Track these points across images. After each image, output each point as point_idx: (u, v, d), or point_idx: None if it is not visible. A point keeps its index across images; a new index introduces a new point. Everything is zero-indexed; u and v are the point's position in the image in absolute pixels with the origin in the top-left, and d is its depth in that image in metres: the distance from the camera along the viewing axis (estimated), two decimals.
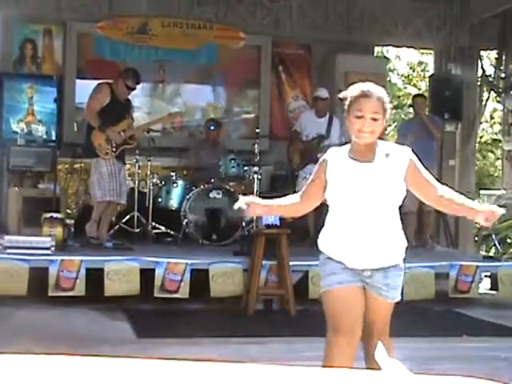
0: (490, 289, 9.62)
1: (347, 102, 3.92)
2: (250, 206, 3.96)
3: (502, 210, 3.88)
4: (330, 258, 4.01)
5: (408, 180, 3.92)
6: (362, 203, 3.87)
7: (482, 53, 13.02)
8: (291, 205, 4.14)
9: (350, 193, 3.90)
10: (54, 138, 10.36)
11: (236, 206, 3.98)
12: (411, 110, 11.68)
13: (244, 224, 9.42)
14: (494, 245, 11.05)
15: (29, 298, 7.36)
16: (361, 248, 3.90)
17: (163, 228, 9.70)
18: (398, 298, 4.05)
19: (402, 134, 10.41)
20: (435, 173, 10.70)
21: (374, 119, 3.83)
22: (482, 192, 16.91)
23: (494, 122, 19.93)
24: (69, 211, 10.24)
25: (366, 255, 3.91)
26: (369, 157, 3.93)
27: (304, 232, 10.02)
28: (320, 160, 4.12)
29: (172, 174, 9.98)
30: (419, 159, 4.02)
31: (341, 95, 3.97)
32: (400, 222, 4.02)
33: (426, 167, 4.05)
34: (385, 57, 18.25)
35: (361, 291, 3.97)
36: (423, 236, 10.45)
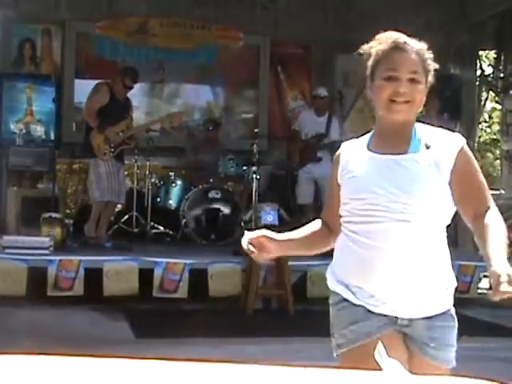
0: (489, 289, 9.61)
1: (371, 60, 2.73)
2: (260, 246, 2.77)
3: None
4: (346, 301, 2.72)
5: (453, 186, 2.65)
6: (390, 219, 2.61)
7: (481, 53, 13.04)
8: (317, 233, 2.90)
9: (370, 203, 2.65)
10: (52, 138, 10.36)
11: (244, 245, 2.78)
12: None
13: (243, 224, 9.42)
14: None
15: (27, 298, 7.35)
16: (391, 286, 2.63)
17: (162, 228, 9.70)
18: (453, 363, 2.75)
19: None
20: None
21: (414, 80, 2.65)
22: None
23: (493, 122, 19.94)
24: (67, 211, 10.24)
25: (399, 296, 2.65)
26: (400, 146, 2.68)
27: None
28: (334, 158, 2.93)
29: (171, 173, 9.99)
30: None
31: (362, 49, 2.79)
32: (447, 249, 2.74)
33: None
34: None
35: (401, 339, 2.70)
36: None
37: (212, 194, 9.62)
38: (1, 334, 5.70)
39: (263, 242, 2.76)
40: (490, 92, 13.22)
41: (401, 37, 2.73)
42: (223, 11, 11.22)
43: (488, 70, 13.80)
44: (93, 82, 9.24)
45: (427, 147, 2.67)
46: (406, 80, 2.64)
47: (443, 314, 2.71)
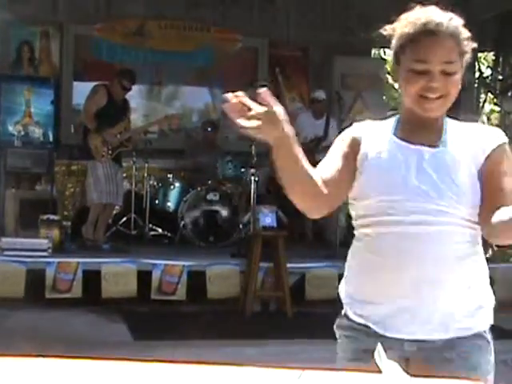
0: None
1: (395, 45, 2.28)
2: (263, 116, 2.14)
3: None
4: (350, 323, 2.35)
5: (482, 177, 2.24)
6: (420, 221, 2.21)
7: (480, 55, 13.03)
8: (315, 180, 2.31)
9: (396, 200, 2.23)
10: (51, 140, 10.37)
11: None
12: None
13: (241, 226, 9.42)
14: (491, 246, 11.06)
15: (26, 300, 7.35)
16: (409, 300, 2.22)
17: (160, 230, 9.70)
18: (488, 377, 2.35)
19: None
20: None
21: (448, 73, 2.22)
22: None
23: (492, 124, 19.94)
24: (66, 213, 10.23)
25: (416, 314, 2.23)
26: (432, 138, 2.28)
27: (301, 234, 10.02)
28: (343, 135, 2.42)
29: (169, 175, 9.99)
30: None
31: (385, 31, 2.32)
32: (484, 261, 2.37)
33: None
34: (382, 58, 18.25)
35: None
36: None
37: (210, 196, 9.61)
38: None
39: (269, 115, 2.19)
40: (489, 94, 13.20)
41: (432, 17, 2.23)
42: (221, 13, 11.21)
43: (487, 72, 13.79)
44: (91, 84, 9.24)
45: (461, 139, 2.28)
46: (438, 72, 2.20)
47: (473, 336, 2.32)
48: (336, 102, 9.65)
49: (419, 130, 2.29)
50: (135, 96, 10.20)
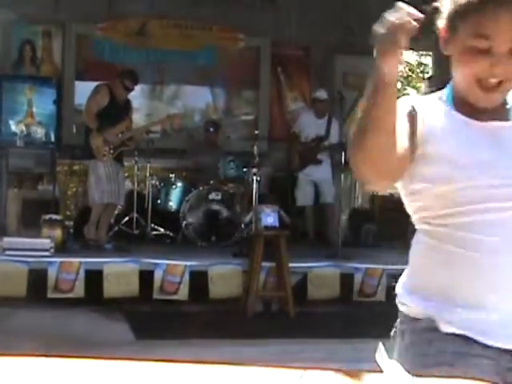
0: None
1: (450, 9, 1.90)
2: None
3: None
4: (426, 331, 1.86)
5: None
6: (500, 202, 1.82)
7: None
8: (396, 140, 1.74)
9: (472, 181, 1.80)
10: (53, 140, 10.37)
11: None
12: None
13: (243, 225, 9.42)
14: None
15: (28, 300, 7.35)
16: (504, 297, 1.82)
17: (162, 230, 9.71)
18: None
19: None
20: None
21: None
22: None
23: None
24: (68, 213, 10.24)
25: None
26: (498, 112, 1.86)
27: (303, 233, 10.02)
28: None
29: (171, 175, 10.00)
30: None
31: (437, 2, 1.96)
32: None
33: None
34: None
35: None
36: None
37: (212, 196, 9.62)
38: (1, 336, 5.70)
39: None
40: None
41: None
42: (223, 12, 11.21)
43: None
44: (93, 84, 9.24)
45: None
46: (505, 53, 1.75)
47: None
48: (338, 101, 9.65)
49: (480, 110, 1.85)
50: (137, 96, 10.20)
